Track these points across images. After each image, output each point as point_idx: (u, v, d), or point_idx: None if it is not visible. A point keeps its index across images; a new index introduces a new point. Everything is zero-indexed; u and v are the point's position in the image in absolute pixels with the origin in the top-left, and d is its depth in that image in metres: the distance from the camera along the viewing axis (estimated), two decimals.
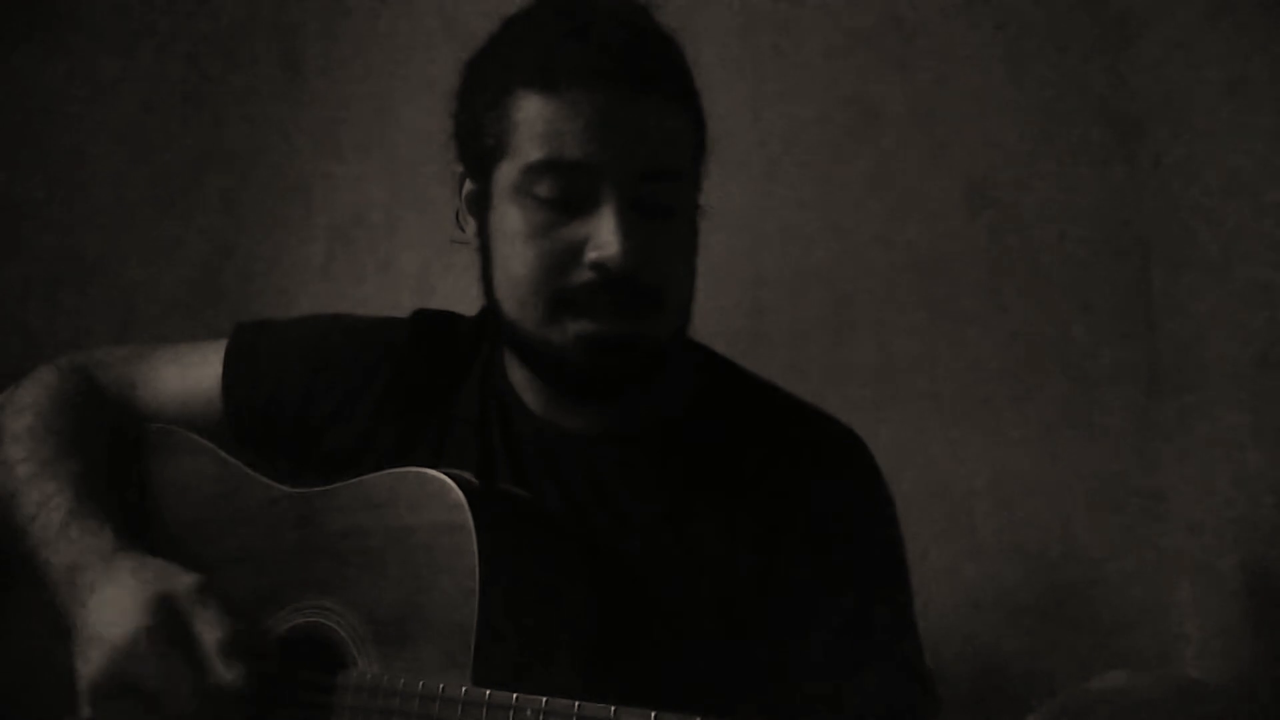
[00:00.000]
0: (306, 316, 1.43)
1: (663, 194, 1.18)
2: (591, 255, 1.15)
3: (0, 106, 2.16)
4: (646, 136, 1.16)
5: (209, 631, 1.14)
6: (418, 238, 2.05)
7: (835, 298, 1.84)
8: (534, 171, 1.16)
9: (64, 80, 2.17)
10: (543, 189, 1.16)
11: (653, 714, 0.92)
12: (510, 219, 1.19)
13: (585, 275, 1.16)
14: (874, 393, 1.80)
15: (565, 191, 1.16)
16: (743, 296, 1.87)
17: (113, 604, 1.15)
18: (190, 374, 1.39)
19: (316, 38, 2.16)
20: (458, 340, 1.36)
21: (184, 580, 1.17)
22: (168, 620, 1.14)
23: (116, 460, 1.36)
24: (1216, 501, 1.60)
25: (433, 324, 1.38)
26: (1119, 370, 1.72)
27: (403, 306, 1.42)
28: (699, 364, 1.33)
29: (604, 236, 1.14)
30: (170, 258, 2.15)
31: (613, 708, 0.94)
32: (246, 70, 2.17)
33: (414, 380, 1.34)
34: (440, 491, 1.13)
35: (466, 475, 1.15)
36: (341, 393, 1.33)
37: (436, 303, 1.43)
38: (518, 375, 1.30)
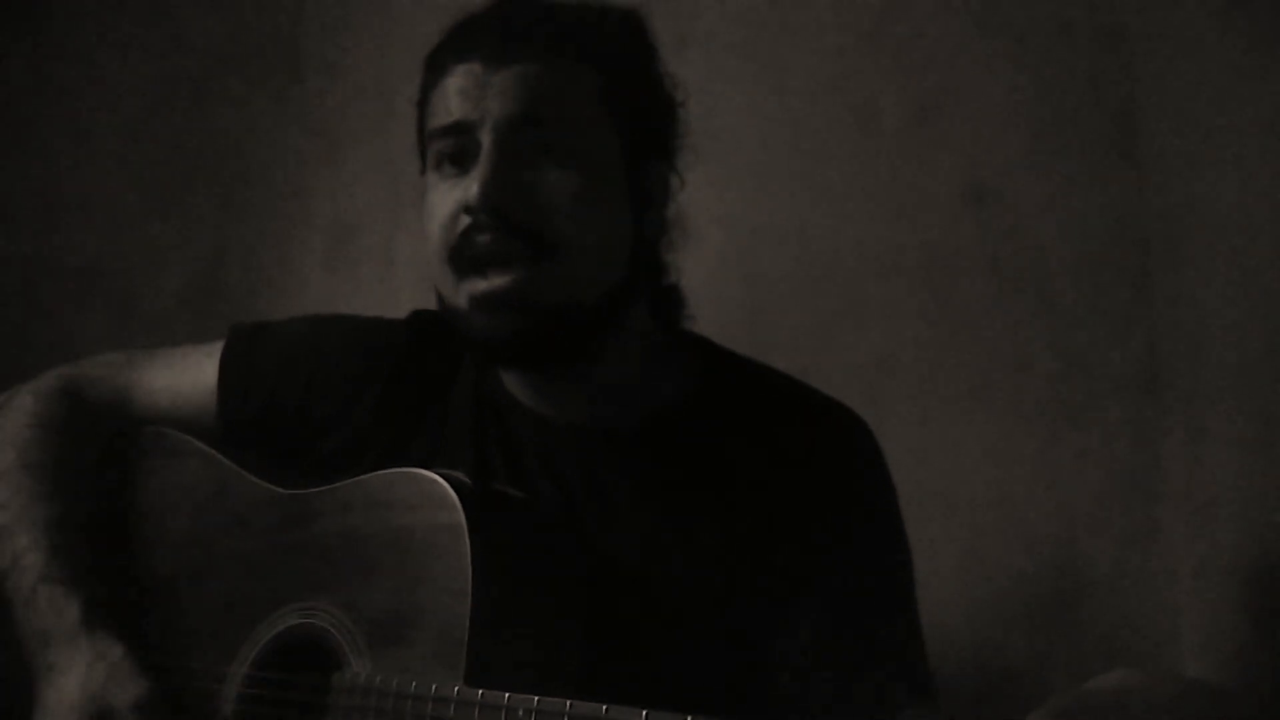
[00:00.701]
0: (302, 317, 1.44)
1: (544, 136, 1.20)
2: (463, 201, 1.19)
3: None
4: (521, 88, 1.20)
5: None
6: (418, 238, 2.04)
7: (834, 298, 1.84)
8: (430, 144, 1.24)
9: (63, 80, 2.17)
10: (440, 156, 1.23)
11: (644, 713, 0.92)
12: (429, 195, 1.25)
13: (464, 221, 1.19)
14: (873, 392, 1.79)
15: (455, 153, 1.22)
16: (742, 296, 1.86)
17: (61, 698, 1.20)
18: (185, 378, 1.39)
19: (317, 38, 2.16)
20: (454, 339, 1.36)
21: (129, 693, 1.20)
22: None
23: (109, 474, 1.37)
24: (1216, 501, 1.59)
25: (429, 324, 1.38)
26: (1119, 370, 1.72)
27: (402, 306, 1.43)
28: (700, 357, 1.33)
29: (472, 179, 1.19)
30: (170, 258, 2.15)
31: (604, 707, 0.94)
32: (246, 70, 2.17)
33: (411, 380, 1.34)
34: (434, 491, 1.13)
35: (460, 475, 1.15)
36: (339, 395, 1.34)
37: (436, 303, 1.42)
38: (510, 372, 1.30)
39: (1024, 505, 1.74)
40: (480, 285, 1.19)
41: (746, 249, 1.87)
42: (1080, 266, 1.74)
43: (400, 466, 1.19)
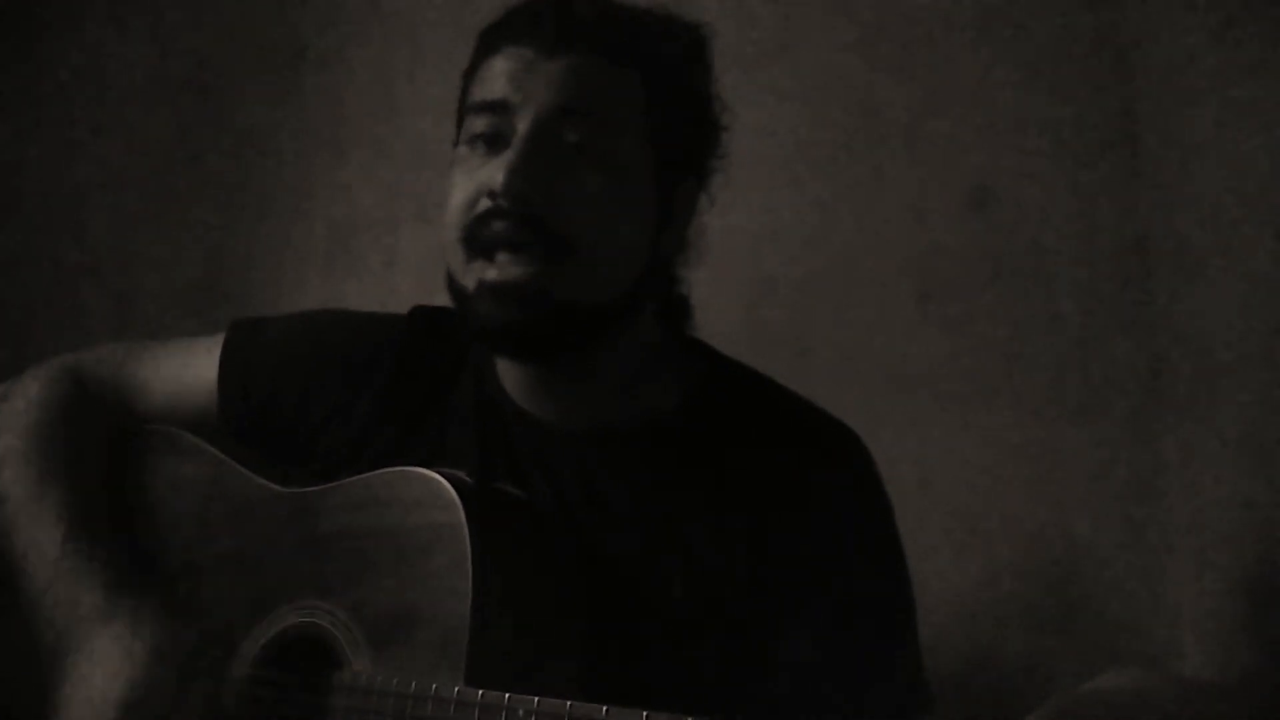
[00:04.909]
0: (303, 313, 1.43)
1: (581, 133, 1.19)
2: (487, 184, 1.18)
3: (1, 106, 2.17)
4: (567, 81, 1.19)
5: None
6: (418, 237, 2.06)
7: (835, 298, 1.84)
8: (468, 116, 1.23)
9: (64, 80, 2.17)
10: (474, 133, 1.22)
11: (644, 714, 0.92)
12: (454, 169, 1.23)
13: (484, 204, 1.18)
14: (874, 393, 1.80)
15: (489, 133, 1.20)
16: (743, 297, 1.86)
17: (90, 694, 1.18)
18: (186, 372, 1.38)
19: (317, 37, 2.17)
20: (454, 337, 1.35)
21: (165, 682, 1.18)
22: None
23: (112, 464, 1.36)
24: (1217, 501, 1.59)
25: (430, 320, 1.38)
26: (1119, 370, 1.72)
27: (403, 306, 1.42)
28: (698, 362, 1.33)
29: (501, 165, 1.17)
30: (170, 258, 2.16)
31: (604, 708, 0.94)
32: (247, 70, 2.18)
33: (411, 378, 1.33)
34: (434, 491, 1.13)
35: (460, 474, 1.15)
36: (339, 391, 1.33)
37: (437, 303, 1.42)
38: (507, 372, 1.30)
39: (1024, 505, 1.74)
40: (490, 272, 1.18)
41: (747, 250, 1.87)
42: (1081, 267, 1.75)
43: (401, 465, 1.19)
